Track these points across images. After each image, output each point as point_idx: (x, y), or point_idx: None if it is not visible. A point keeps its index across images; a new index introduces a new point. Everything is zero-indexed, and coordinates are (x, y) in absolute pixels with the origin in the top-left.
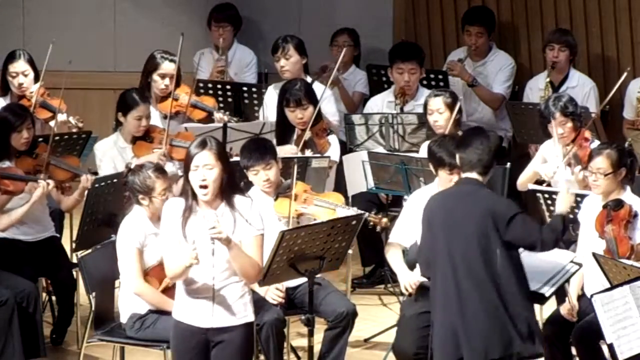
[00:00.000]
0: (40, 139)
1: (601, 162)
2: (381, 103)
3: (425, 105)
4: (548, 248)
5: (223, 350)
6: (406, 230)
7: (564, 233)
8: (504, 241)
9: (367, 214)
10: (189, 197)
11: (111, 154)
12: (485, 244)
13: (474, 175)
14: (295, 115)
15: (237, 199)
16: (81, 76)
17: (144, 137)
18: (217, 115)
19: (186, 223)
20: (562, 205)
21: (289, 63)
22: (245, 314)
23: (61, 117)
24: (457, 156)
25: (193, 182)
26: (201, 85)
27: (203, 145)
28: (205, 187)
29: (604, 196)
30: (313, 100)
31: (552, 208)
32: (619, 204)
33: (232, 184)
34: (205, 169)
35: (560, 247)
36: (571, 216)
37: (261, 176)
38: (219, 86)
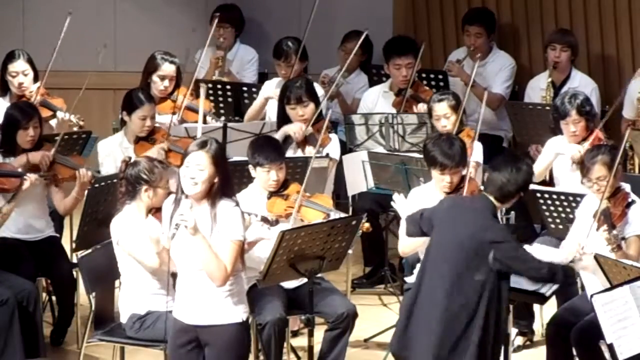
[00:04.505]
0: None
1: (599, 171)
2: (377, 94)
3: (429, 111)
4: (540, 278)
5: (212, 350)
6: None
7: (554, 278)
8: (492, 269)
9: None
10: (179, 191)
11: (114, 154)
12: (471, 263)
13: (490, 197)
14: (297, 112)
15: (222, 202)
16: (81, 76)
17: (147, 138)
18: (209, 120)
19: (173, 214)
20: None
21: (291, 70)
22: (234, 314)
23: (61, 115)
24: (486, 174)
25: (182, 176)
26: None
27: (202, 145)
28: (195, 184)
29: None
30: (314, 97)
31: (552, 208)
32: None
33: (224, 188)
34: (197, 169)
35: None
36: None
37: (272, 176)
38: (219, 86)
